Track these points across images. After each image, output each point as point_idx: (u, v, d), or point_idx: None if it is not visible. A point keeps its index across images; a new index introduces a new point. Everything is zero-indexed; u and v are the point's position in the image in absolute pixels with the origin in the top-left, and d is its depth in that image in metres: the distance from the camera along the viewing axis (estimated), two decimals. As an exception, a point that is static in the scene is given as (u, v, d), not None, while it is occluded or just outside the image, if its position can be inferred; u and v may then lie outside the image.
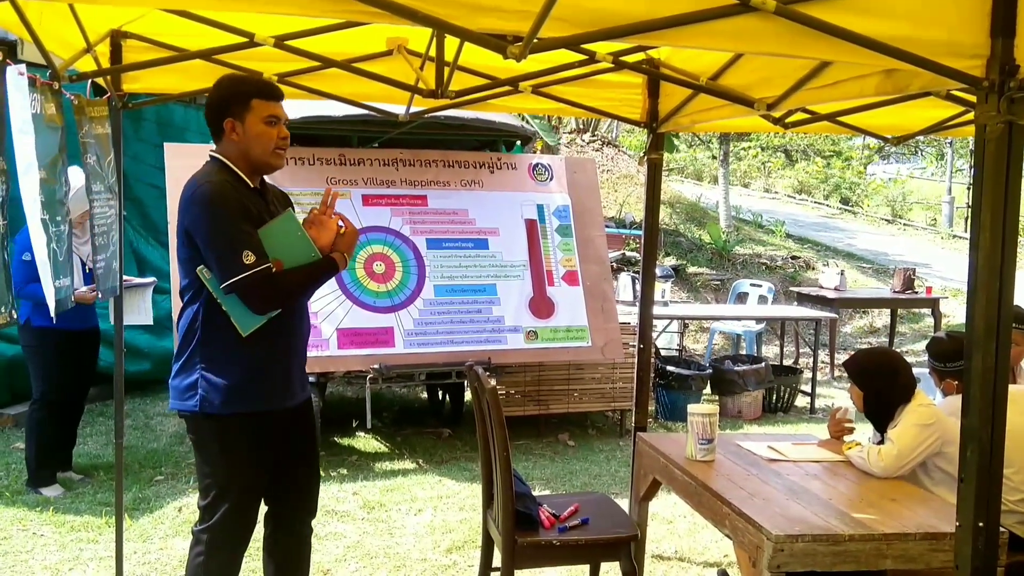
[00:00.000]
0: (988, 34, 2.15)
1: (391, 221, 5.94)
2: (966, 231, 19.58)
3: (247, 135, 2.77)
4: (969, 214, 20.31)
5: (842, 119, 3.96)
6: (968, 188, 21.38)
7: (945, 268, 15.23)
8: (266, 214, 2.82)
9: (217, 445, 2.85)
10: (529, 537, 3.30)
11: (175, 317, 3.49)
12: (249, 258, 2.65)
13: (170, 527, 4.63)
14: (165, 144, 5.55)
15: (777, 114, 3.40)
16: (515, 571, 3.32)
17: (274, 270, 2.73)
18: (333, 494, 5.19)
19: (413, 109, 3.88)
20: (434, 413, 7.29)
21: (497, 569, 3.48)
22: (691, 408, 3.37)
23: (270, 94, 2.80)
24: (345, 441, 6.37)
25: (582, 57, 3.40)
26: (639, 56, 3.58)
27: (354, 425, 6.53)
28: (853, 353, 3.77)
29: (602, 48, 3.09)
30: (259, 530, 3.07)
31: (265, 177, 2.95)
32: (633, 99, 4.14)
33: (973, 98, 3.01)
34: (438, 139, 6.60)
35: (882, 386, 3.50)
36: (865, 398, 3.58)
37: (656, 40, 2.26)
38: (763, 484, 3.11)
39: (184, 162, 5.45)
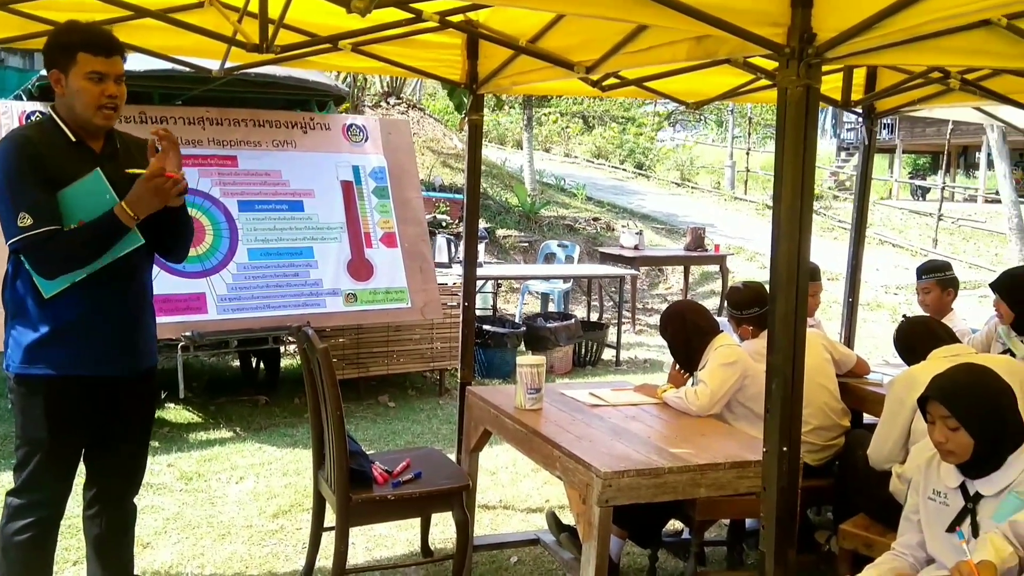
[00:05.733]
0: (789, 4, 2.36)
1: (199, 183, 5.69)
2: (746, 193, 21.10)
3: (69, 90, 2.62)
4: (748, 177, 21.82)
5: (648, 84, 4.20)
6: (747, 153, 23.01)
7: (729, 227, 16.35)
8: (86, 172, 2.66)
9: (19, 405, 2.74)
10: (364, 494, 3.34)
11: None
12: (25, 220, 2.53)
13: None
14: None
15: (595, 77, 3.56)
16: (349, 528, 3.35)
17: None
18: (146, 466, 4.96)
19: (229, 64, 3.74)
20: (248, 380, 7.10)
21: (330, 528, 3.50)
22: (520, 360, 3.51)
23: (98, 48, 2.61)
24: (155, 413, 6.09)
25: (404, 16, 3.41)
26: (460, 17, 3.62)
27: (163, 396, 6.25)
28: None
29: (429, 7, 3.11)
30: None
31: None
32: (453, 60, 4.18)
33: (767, 64, 3.30)
34: (245, 97, 6.37)
35: (680, 331, 3.79)
36: (670, 344, 3.86)
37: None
38: (588, 427, 3.29)
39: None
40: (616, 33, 3.17)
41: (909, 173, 27.26)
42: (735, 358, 3.63)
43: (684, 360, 3.81)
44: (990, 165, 20.65)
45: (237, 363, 7.49)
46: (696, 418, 3.50)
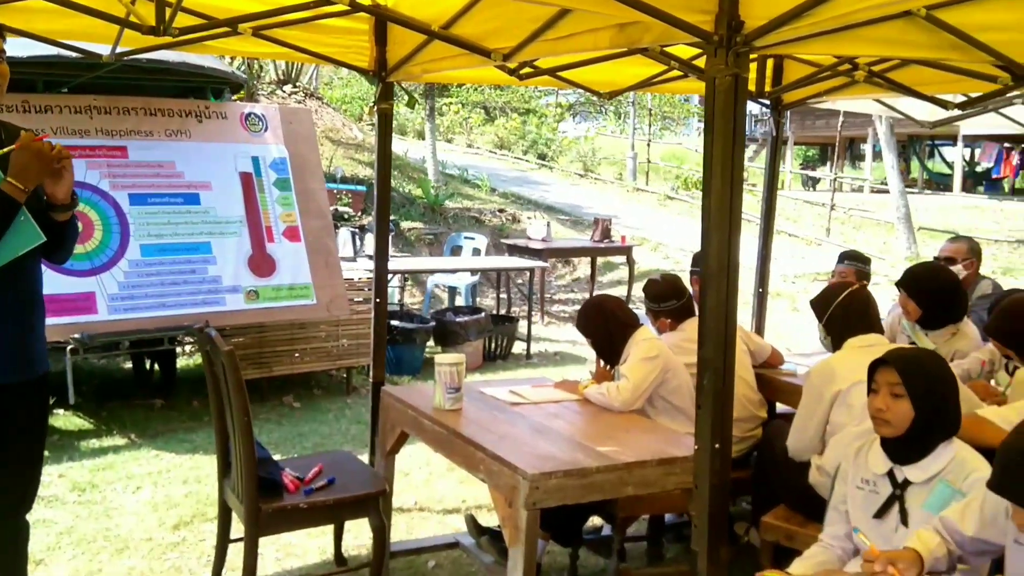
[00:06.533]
0: (717, -10, 2.30)
1: (86, 175, 5.35)
2: (647, 184, 21.39)
3: None
4: (649, 168, 22.09)
5: (562, 74, 4.12)
6: (648, 145, 23.33)
7: (632, 218, 16.50)
8: None
9: None
10: (274, 503, 3.17)
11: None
12: None
13: None
14: None
15: (512, 65, 3.45)
16: (259, 539, 3.17)
17: None
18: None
19: (120, 49, 3.48)
20: (142, 383, 6.74)
21: (237, 540, 3.32)
22: (438, 359, 3.38)
23: None
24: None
25: (313, -1, 3.23)
26: (369, 0, 3.46)
27: (52, 402, 5.87)
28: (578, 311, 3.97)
29: (339, -11, 2.95)
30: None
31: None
32: (361, 45, 4.02)
33: (683, 52, 3.24)
34: (136, 85, 6.03)
35: (601, 325, 3.73)
36: (591, 338, 3.79)
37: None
38: (511, 426, 3.19)
39: None
40: (534, 19, 3.07)
41: (800, 164, 28.14)
42: (656, 352, 3.59)
43: (605, 354, 3.75)
44: (876, 156, 21.50)
45: (129, 365, 7.11)
46: (618, 414, 3.44)
